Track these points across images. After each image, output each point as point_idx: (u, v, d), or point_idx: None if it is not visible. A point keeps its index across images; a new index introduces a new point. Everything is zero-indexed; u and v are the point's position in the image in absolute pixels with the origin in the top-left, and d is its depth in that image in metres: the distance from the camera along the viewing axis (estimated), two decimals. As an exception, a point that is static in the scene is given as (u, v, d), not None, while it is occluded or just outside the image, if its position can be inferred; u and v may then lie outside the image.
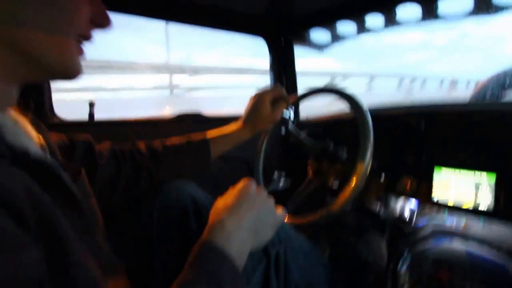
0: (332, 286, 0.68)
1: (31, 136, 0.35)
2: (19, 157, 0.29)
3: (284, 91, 0.75)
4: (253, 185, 0.49)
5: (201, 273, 0.37)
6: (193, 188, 0.58)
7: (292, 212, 0.78)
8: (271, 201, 0.50)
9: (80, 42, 0.36)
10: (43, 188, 0.28)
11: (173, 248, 0.52)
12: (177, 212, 0.53)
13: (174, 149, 0.66)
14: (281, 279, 0.56)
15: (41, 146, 0.37)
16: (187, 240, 0.52)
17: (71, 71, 0.35)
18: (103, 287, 0.31)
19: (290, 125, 0.80)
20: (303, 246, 0.67)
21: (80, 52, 0.36)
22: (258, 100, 0.72)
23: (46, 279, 0.24)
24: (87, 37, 0.37)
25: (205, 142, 0.68)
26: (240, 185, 0.49)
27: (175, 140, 0.68)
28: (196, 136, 0.69)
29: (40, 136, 0.38)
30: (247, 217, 0.45)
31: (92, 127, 0.90)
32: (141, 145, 0.64)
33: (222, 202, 0.47)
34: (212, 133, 0.70)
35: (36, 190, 0.27)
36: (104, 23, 0.39)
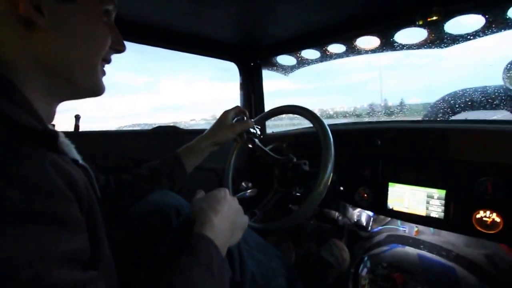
0: (289, 279, 0.73)
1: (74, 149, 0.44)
2: (72, 161, 0.36)
3: (242, 108, 0.85)
4: (228, 193, 0.56)
5: (195, 257, 0.39)
6: (175, 197, 0.64)
7: (260, 218, 0.83)
8: (240, 206, 0.57)
9: (102, 66, 0.44)
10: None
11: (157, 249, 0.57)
12: (162, 218, 0.59)
13: (153, 167, 0.73)
14: (237, 270, 0.60)
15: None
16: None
17: (98, 90, 0.44)
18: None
19: (257, 141, 0.88)
20: (257, 240, 0.72)
21: (103, 73, 0.44)
22: (222, 115, 0.82)
23: (90, 261, 0.30)
24: (108, 61, 0.45)
25: (178, 158, 0.75)
26: (220, 191, 0.55)
27: (154, 162, 0.75)
28: (170, 156, 0.76)
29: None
30: (228, 219, 0.50)
31: (77, 138, 0.96)
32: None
33: (206, 203, 0.51)
34: (182, 150, 0.78)
35: (87, 186, 0.34)
36: (121, 48, 0.47)
